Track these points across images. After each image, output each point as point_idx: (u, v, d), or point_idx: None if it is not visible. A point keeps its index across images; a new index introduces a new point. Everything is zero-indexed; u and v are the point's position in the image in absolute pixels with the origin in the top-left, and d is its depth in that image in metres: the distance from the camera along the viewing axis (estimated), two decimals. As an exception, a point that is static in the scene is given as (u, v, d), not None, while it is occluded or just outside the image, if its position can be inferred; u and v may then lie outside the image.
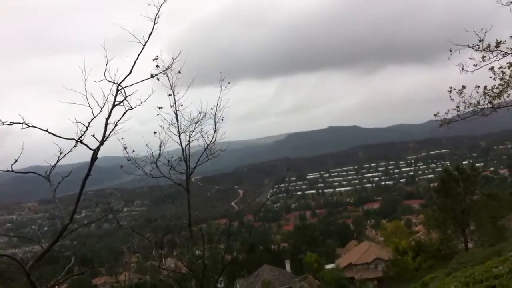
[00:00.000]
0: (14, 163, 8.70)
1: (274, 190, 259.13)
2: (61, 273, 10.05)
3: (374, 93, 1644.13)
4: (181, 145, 11.46)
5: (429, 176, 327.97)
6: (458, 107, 13.12)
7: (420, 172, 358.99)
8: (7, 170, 8.79)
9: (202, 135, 11.60)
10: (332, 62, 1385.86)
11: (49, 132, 8.73)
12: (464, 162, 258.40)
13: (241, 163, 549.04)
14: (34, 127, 8.76)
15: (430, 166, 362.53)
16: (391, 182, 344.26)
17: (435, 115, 13.59)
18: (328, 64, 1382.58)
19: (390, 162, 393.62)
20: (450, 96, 13.10)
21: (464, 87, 12.97)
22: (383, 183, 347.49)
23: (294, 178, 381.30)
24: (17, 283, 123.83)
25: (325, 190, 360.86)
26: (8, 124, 8.55)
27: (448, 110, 13.26)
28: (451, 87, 13.10)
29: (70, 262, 10.24)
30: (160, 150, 11.05)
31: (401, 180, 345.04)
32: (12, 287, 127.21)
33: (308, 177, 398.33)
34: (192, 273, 11.69)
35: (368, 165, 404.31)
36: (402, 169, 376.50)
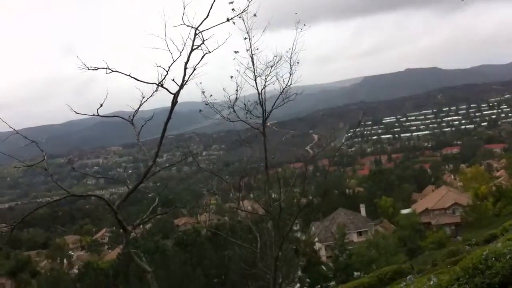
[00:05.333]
0: (100, 107, 9.12)
1: (349, 134, 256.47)
2: (145, 213, 10.61)
3: (457, 32, 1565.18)
4: (257, 89, 11.46)
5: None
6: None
7: (503, 115, 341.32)
8: (94, 115, 9.25)
9: (277, 79, 11.52)
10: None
11: (131, 77, 9.05)
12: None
13: (316, 107, 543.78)
14: (118, 71, 9.10)
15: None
16: (471, 126, 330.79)
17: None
18: (409, 2, 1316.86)
19: (472, 105, 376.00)
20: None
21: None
22: (463, 127, 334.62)
23: (369, 123, 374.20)
24: (105, 223, 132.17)
25: (402, 135, 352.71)
26: (93, 69, 8.94)
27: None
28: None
29: (154, 203, 10.75)
30: (236, 95, 11.11)
31: (483, 124, 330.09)
32: (100, 226, 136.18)
33: (384, 121, 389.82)
34: (269, 215, 11.96)
35: (447, 109, 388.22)
36: (484, 112, 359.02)
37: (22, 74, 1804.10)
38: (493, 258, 9.50)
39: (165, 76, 9.03)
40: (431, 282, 16.34)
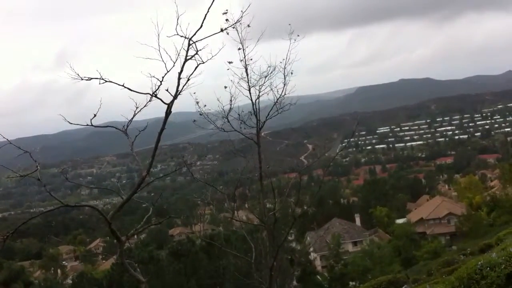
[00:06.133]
0: (93, 117, 9.11)
1: (344, 144, 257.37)
2: (139, 223, 10.56)
3: (450, 43, 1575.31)
4: (251, 99, 11.47)
5: (506, 129, 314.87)
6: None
7: (497, 125, 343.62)
8: (87, 125, 9.23)
9: (271, 89, 11.53)
10: (408, 10, 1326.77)
11: (125, 87, 9.07)
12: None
13: (310, 117, 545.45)
14: (111, 82, 9.12)
15: (508, 119, 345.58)
16: (465, 136, 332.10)
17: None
18: (404, 12, 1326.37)
19: (465, 115, 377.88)
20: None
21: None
22: (457, 137, 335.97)
23: (363, 133, 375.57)
24: (98, 233, 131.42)
25: (396, 145, 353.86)
26: (87, 79, 8.94)
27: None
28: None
29: (148, 213, 10.71)
30: (230, 105, 11.12)
31: (476, 134, 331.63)
32: (94, 236, 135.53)
33: (378, 131, 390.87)
34: (264, 225, 11.93)
35: (441, 119, 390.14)
36: (478, 123, 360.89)
37: (15, 84, 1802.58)
38: (488, 268, 9.50)
39: (159, 86, 9.06)
40: (426, 292, 16.26)
